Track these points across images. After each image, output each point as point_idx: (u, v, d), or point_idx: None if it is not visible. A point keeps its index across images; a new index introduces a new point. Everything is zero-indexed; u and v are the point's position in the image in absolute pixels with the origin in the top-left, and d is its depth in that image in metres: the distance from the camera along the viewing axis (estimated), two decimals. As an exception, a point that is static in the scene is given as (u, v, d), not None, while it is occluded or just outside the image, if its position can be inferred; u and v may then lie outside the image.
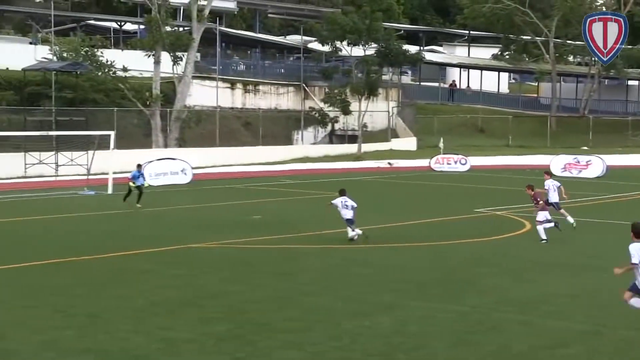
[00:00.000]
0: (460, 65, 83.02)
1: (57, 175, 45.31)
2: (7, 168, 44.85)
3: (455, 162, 54.05)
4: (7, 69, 53.79)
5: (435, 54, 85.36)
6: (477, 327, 14.66)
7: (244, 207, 32.91)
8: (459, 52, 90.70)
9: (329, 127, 69.33)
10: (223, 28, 71.87)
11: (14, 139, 44.94)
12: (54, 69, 49.54)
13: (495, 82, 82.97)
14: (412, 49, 72.46)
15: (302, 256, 21.86)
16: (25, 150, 45.73)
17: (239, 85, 66.79)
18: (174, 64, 54.33)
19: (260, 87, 68.20)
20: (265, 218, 29.44)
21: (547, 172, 28.17)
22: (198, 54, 62.80)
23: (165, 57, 54.27)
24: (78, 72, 50.19)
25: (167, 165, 43.55)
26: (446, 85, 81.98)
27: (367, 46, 64.42)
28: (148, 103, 54.07)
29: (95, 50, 53.66)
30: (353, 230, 24.24)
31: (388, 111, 71.93)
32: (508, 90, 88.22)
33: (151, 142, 54.23)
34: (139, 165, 34.19)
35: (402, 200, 36.82)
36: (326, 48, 66.06)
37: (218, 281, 18.47)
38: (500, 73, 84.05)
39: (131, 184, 32.43)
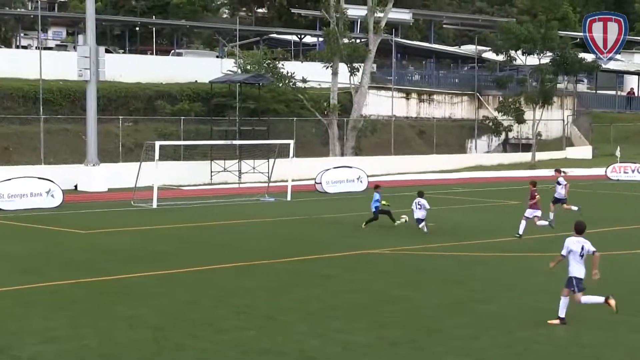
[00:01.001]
0: (639, 73, 79.76)
1: (240, 183, 46.65)
2: (195, 175, 46.55)
3: (633, 171, 52.00)
4: (196, 81, 55.82)
5: (612, 62, 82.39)
6: (655, 340, 14.08)
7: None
8: (638, 60, 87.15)
9: (502, 136, 68.18)
10: (398, 39, 72.06)
11: (201, 147, 46.62)
12: (238, 81, 50.98)
13: (677, 90, 79.24)
14: (589, 57, 70.26)
15: (475, 264, 21.64)
16: (211, 158, 47.33)
17: (414, 95, 66.74)
18: (351, 75, 54.85)
19: (435, 97, 67.89)
20: (438, 226, 29.28)
21: (557, 169, 32.18)
22: (374, 65, 63.16)
23: (343, 68, 54.89)
24: (260, 84, 51.49)
25: (344, 173, 44.03)
26: (624, 93, 78.96)
27: (542, 55, 62.95)
28: (326, 113, 54.82)
29: (277, 62, 54.85)
30: (421, 227, 26.93)
31: (563, 120, 70.06)
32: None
33: (328, 150, 54.97)
34: (377, 187, 29.84)
35: (577, 210, 35.76)
36: (500, 57, 65.03)
37: (393, 287, 18.54)
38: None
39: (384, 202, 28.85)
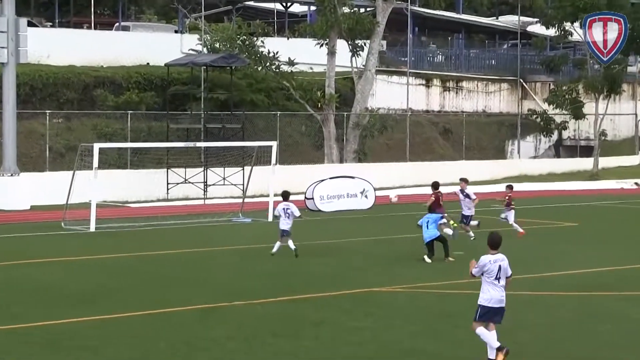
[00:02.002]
0: None
1: (206, 198, 46.55)
2: (146, 188, 46.39)
3: None
4: (148, 64, 55.76)
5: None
6: None
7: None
8: None
9: (554, 136, 68.23)
10: (416, 8, 72.16)
11: (154, 151, 46.46)
12: (203, 64, 50.91)
13: None
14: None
15: (520, 306, 21.52)
16: (167, 166, 47.22)
17: (436, 82, 66.83)
18: (352, 55, 54.89)
19: (464, 84, 67.99)
20: (468, 255, 29.17)
21: (463, 179, 33.61)
22: (384, 42, 63.18)
23: (342, 46, 54.89)
24: (233, 67, 51.48)
25: (343, 186, 43.94)
26: None
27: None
28: (320, 105, 54.83)
29: (255, 39, 54.85)
30: (285, 243, 28.40)
31: (635, 114, 70.16)
32: None
33: (323, 155, 54.94)
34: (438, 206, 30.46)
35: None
36: (551, 31, 65.14)
37: (408, 336, 18.45)
38: None
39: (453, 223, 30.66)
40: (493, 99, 69.14)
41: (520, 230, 33.80)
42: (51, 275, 25.60)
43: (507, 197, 34.76)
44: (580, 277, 25.49)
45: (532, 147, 68.24)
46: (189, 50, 56.32)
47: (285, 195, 29.43)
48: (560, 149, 69.50)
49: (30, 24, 49.32)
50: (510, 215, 34.23)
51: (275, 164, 40.80)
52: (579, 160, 65.38)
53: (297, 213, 28.95)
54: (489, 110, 68.56)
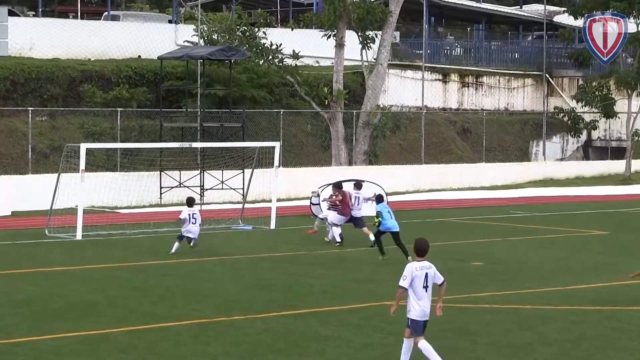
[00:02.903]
0: None
1: (203, 203, 46.64)
2: (138, 192, 46.30)
3: None
4: (140, 57, 55.82)
5: None
6: None
7: (458, 249, 32.84)
8: None
9: (583, 136, 68.22)
10: (432, -4, 72.30)
11: (146, 152, 46.52)
12: (200, 57, 50.94)
13: None
14: None
15: (542, 320, 21.67)
16: (160, 168, 47.28)
17: (454, 77, 66.86)
18: (363, 48, 54.94)
19: (485, 79, 68.02)
20: (488, 266, 29.31)
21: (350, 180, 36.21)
22: (397, 33, 63.25)
23: (352, 37, 54.95)
24: (232, 61, 51.55)
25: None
26: None
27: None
28: (327, 102, 54.85)
29: (256, 29, 54.89)
30: (179, 240, 31.06)
31: (672, 112, 70.09)
32: None
33: (330, 156, 54.99)
34: (380, 197, 31.74)
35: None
36: (580, 22, 65.13)
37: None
38: None
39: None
40: (516, 96, 69.15)
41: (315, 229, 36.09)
42: (34, 287, 25.66)
43: (335, 198, 34.38)
44: (608, 291, 25.56)
45: (558, 148, 68.24)
46: (184, 42, 56.39)
47: (190, 202, 32.00)
48: (590, 151, 69.46)
49: (11, 13, 49.57)
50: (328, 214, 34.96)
51: (278, 166, 40.87)
52: (610, 163, 65.35)
53: (199, 220, 31.50)
54: (511, 108, 68.57)
